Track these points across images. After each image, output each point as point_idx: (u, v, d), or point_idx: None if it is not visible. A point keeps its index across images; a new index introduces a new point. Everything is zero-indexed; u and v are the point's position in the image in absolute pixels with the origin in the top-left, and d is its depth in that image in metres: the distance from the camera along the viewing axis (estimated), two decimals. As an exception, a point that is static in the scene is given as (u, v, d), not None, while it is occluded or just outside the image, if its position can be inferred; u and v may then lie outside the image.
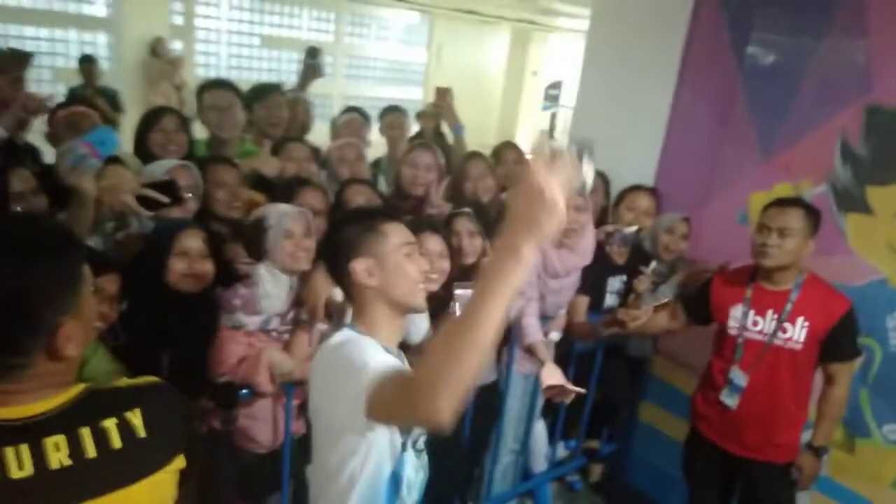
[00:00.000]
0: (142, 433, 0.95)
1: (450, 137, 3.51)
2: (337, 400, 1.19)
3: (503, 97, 11.84)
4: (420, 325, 2.09)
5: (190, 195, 1.99)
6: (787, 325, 2.14)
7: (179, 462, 1.01)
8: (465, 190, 2.69)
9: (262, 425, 2.04)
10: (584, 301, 2.67)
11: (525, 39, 11.99)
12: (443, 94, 3.23)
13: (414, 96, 11.32)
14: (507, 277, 0.97)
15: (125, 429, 0.94)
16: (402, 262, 1.33)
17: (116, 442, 0.92)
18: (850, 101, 2.38)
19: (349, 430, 1.21)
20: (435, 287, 2.10)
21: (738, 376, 2.21)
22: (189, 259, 1.74)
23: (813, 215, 2.10)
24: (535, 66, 12.19)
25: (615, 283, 2.76)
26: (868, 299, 2.32)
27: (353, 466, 1.24)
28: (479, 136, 7.34)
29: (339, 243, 1.33)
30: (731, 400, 2.23)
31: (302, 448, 2.07)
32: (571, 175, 1.00)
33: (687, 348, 2.66)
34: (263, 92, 3.12)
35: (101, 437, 0.92)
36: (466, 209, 2.36)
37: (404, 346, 2.07)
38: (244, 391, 1.87)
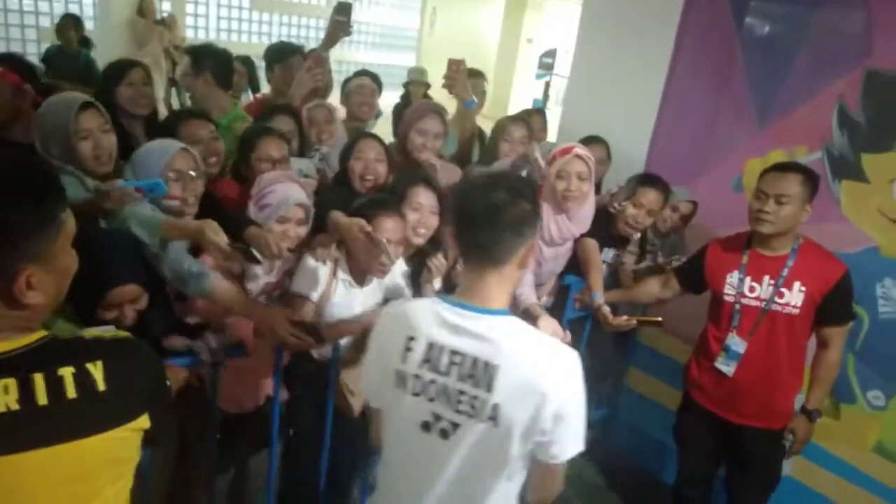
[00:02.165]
0: (101, 386, 0.90)
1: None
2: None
3: (497, 64, 11.69)
4: (400, 284, 2.09)
5: (194, 174, 1.90)
6: (784, 290, 2.14)
7: (143, 422, 0.96)
8: (500, 150, 2.67)
9: (242, 385, 2.02)
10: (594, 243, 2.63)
11: (520, 6, 11.80)
12: (456, 65, 3.06)
13: (406, 62, 11.17)
14: None
15: (83, 380, 0.89)
16: None
17: (71, 392, 0.88)
18: (850, 67, 2.35)
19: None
20: (422, 241, 2.10)
21: (736, 343, 2.22)
22: (121, 309, 1.55)
23: (811, 181, 2.08)
24: (530, 33, 12.02)
25: (608, 254, 2.75)
26: (859, 267, 2.31)
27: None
28: (473, 103, 7.24)
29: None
30: (727, 367, 2.23)
31: (290, 410, 2.08)
32: None
33: (674, 316, 2.66)
34: (284, 53, 3.08)
35: (54, 385, 0.87)
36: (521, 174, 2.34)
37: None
38: (236, 347, 1.84)
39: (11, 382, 0.85)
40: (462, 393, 1.23)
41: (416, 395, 1.27)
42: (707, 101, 2.81)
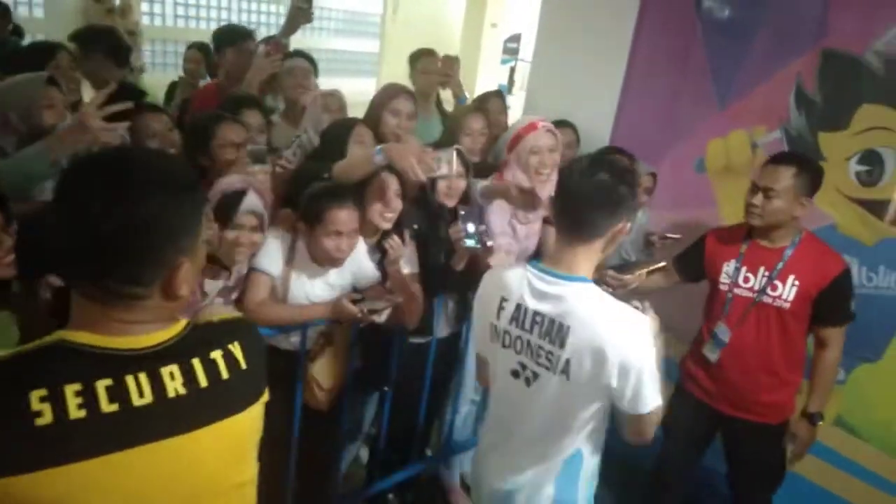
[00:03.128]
0: (243, 364, 1.00)
1: (449, 105, 3.54)
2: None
3: (462, 50, 11.63)
4: (365, 265, 2.07)
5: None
6: (777, 282, 2.10)
7: (266, 395, 1.06)
8: (462, 144, 2.65)
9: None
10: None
11: (484, -10, 11.72)
12: (449, 63, 3.21)
13: (370, 48, 11.05)
14: None
15: (230, 360, 0.98)
16: None
17: (224, 372, 0.97)
18: (806, 47, 2.39)
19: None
20: (389, 225, 2.10)
21: (722, 331, 2.20)
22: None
23: (806, 173, 2.03)
24: (494, 17, 11.97)
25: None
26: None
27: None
28: (438, 88, 7.17)
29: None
30: (712, 354, 2.20)
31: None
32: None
33: (672, 314, 2.63)
34: (237, 37, 3.01)
35: (210, 368, 0.96)
36: (458, 146, 2.34)
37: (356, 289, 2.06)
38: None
39: (175, 369, 0.92)
40: (541, 348, 1.44)
41: (506, 347, 1.51)
42: (668, 82, 2.82)
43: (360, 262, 2.05)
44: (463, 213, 2.18)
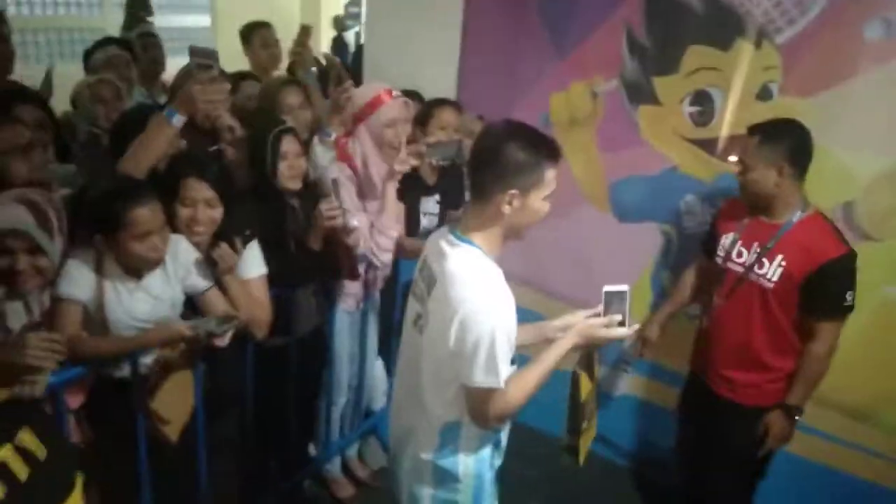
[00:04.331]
0: (43, 453, 0.80)
1: None
2: None
3: (302, 17, 11.09)
4: (195, 272, 1.85)
5: None
6: (765, 260, 1.96)
7: (80, 479, 0.90)
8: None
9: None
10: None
11: (317, -48, 11.18)
12: (304, 33, 3.17)
13: (201, 23, 10.24)
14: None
15: (25, 455, 0.78)
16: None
17: (22, 473, 0.77)
18: (631, -7, 2.39)
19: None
20: (200, 238, 1.85)
21: (715, 302, 2.13)
22: None
23: (775, 140, 1.88)
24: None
25: (429, 203, 2.64)
26: (663, 187, 2.44)
27: None
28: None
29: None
30: (704, 321, 2.19)
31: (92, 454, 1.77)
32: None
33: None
34: None
35: (4, 474, 0.75)
36: (292, 126, 2.15)
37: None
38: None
39: None
40: (426, 299, 1.50)
41: (412, 295, 1.59)
42: (506, 38, 2.76)
43: (188, 270, 1.80)
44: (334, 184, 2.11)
